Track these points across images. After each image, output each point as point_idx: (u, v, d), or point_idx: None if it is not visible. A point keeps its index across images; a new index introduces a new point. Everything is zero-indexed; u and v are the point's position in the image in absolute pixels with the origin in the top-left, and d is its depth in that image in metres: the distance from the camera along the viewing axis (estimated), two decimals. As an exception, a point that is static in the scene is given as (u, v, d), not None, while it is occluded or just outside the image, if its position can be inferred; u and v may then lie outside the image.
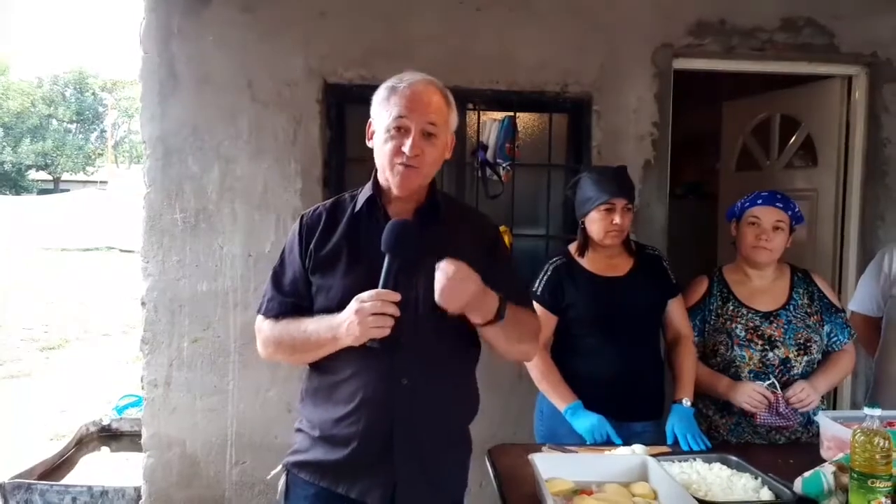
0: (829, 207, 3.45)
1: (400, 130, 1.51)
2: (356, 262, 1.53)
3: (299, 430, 1.66)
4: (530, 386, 2.26)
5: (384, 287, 1.43)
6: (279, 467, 1.68)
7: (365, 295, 1.42)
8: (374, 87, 3.01)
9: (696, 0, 3.17)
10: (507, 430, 2.33)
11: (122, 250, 16.80)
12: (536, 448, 1.94)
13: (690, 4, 3.17)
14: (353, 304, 1.43)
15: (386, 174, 1.54)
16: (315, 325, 1.51)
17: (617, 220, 2.15)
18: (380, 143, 1.54)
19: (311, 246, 1.57)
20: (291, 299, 1.60)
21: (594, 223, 2.19)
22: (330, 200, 1.66)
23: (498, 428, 2.60)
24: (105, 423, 4.13)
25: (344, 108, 3.22)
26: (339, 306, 1.47)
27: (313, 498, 1.57)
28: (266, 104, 3.03)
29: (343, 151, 3.22)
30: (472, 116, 3.25)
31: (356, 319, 1.41)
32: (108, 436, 4.08)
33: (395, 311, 1.41)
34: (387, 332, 1.41)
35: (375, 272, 1.45)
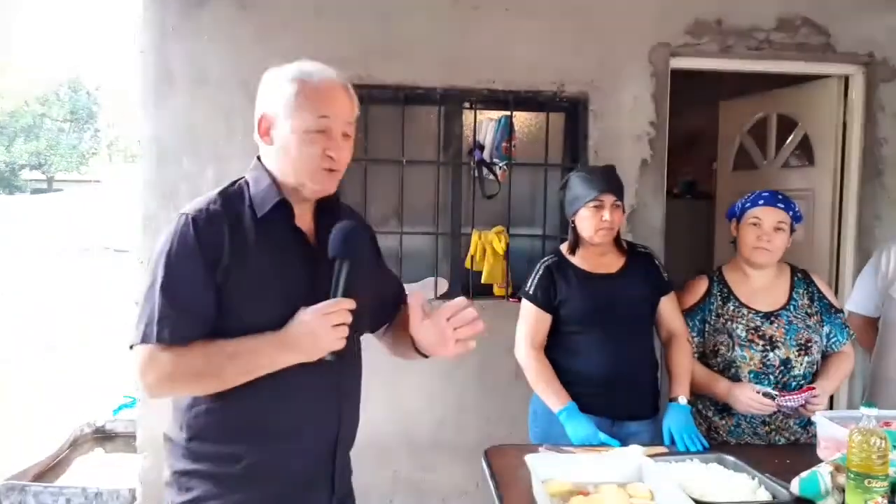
0: (826, 207, 3.45)
1: (322, 133, 1.36)
2: (283, 275, 1.36)
3: (188, 472, 1.36)
4: (526, 387, 2.25)
5: (337, 294, 1.31)
6: None
7: (321, 306, 1.29)
8: (370, 88, 3.06)
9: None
10: (503, 431, 2.32)
11: (116, 250, 16.75)
12: (533, 449, 1.93)
13: (687, 4, 3.17)
14: (309, 317, 1.29)
15: (302, 177, 1.37)
16: (245, 347, 1.29)
17: (606, 216, 2.16)
18: (295, 144, 1.35)
19: (223, 257, 1.31)
20: (197, 318, 1.31)
21: (584, 220, 2.20)
22: (212, 201, 1.38)
23: (494, 429, 2.59)
24: (99, 424, 4.12)
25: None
26: (258, 327, 1.30)
27: None
28: (261, 103, 3.02)
29: (339, 151, 3.20)
30: (468, 116, 3.24)
31: (320, 332, 1.28)
32: (103, 437, 4.07)
33: (349, 319, 1.31)
34: (344, 342, 1.31)
35: (304, 285, 1.35)
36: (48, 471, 3.58)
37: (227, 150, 3.02)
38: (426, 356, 1.48)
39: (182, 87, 3.00)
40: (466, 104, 3.24)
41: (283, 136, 1.37)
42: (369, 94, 3.12)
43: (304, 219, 1.44)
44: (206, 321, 1.31)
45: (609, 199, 2.17)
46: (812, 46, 3.24)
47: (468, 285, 3.18)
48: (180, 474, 1.37)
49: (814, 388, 2.08)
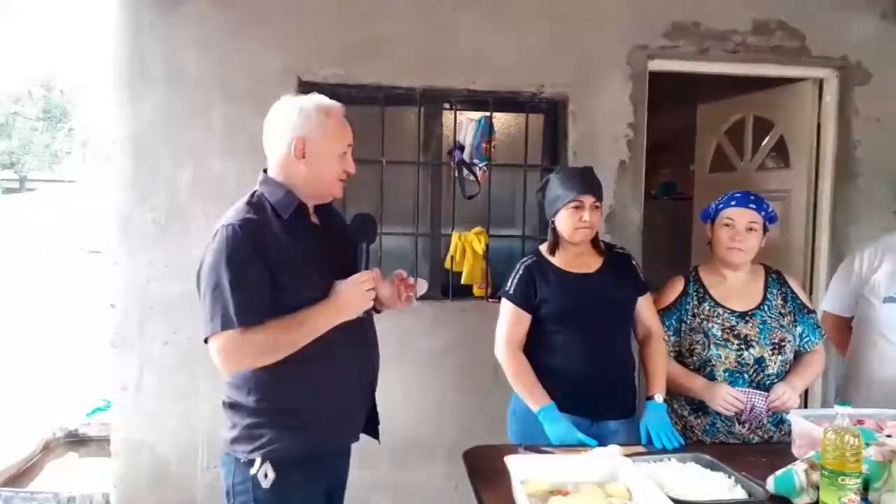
0: (801, 208, 3.50)
1: (345, 154, 1.78)
2: (313, 258, 1.74)
3: (258, 425, 1.71)
4: (506, 387, 2.25)
5: (363, 268, 1.75)
6: (258, 461, 1.69)
7: (355, 277, 1.71)
8: (350, 87, 3.04)
9: (671, 2, 3.20)
10: (483, 432, 2.32)
11: (90, 251, 16.51)
12: (512, 449, 1.93)
13: (665, 7, 3.20)
14: (347, 286, 1.70)
15: (327, 188, 1.78)
16: (307, 316, 1.67)
17: (586, 217, 2.17)
18: (328, 163, 1.75)
19: (269, 251, 1.66)
20: (263, 301, 1.64)
21: (563, 221, 2.21)
22: (245, 211, 1.72)
23: (474, 429, 2.59)
24: (72, 427, 4.05)
25: (319, 107, 3.18)
26: (310, 301, 1.68)
27: (309, 469, 1.73)
28: (239, 101, 2.99)
29: (317, 151, 3.18)
30: (448, 116, 3.24)
31: (357, 296, 1.70)
32: (76, 441, 4.00)
33: (373, 284, 1.74)
34: (373, 302, 1.76)
35: (326, 263, 1.74)
36: (20, 475, 3.51)
37: (204, 150, 2.99)
38: (378, 311, 1.92)
39: (158, 86, 2.96)
40: (446, 105, 3.24)
41: (319, 156, 1.73)
42: (348, 94, 3.10)
43: (312, 217, 1.82)
44: (268, 303, 1.64)
45: (588, 199, 2.18)
46: (787, 50, 3.28)
47: (448, 286, 3.17)
48: (251, 427, 1.70)
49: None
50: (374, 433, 1.96)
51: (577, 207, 2.18)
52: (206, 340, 1.67)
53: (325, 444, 1.77)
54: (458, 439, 2.10)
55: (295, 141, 1.72)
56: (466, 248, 3.15)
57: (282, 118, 1.75)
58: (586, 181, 2.21)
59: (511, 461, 1.69)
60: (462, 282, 3.14)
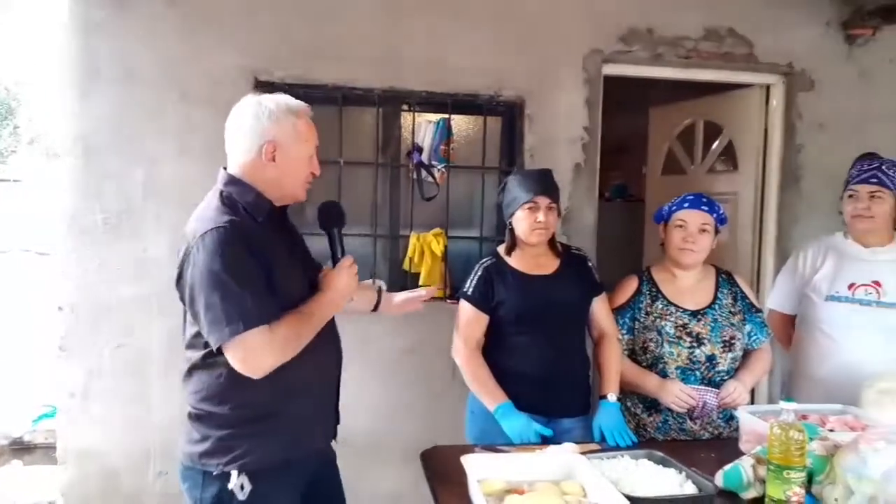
0: (749, 210, 3.60)
1: (312, 157, 1.78)
2: (290, 256, 1.76)
3: (230, 436, 1.66)
4: (464, 387, 2.27)
5: (342, 254, 1.81)
6: (234, 473, 1.65)
7: (341, 264, 1.78)
8: (307, 87, 3.02)
9: (626, 8, 3.26)
10: (441, 432, 2.32)
11: (38, 252, 15.97)
12: (469, 449, 1.94)
13: (620, 12, 3.26)
14: (338, 274, 1.76)
15: (295, 190, 1.77)
16: (313, 308, 1.71)
17: (541, 217, 2.20)
18: (299, 163, 1.74)
19: (257, 251, 1.62)
20: (272, 298, 1.62)
21: (520, 222, 2.23)
22: (225, 213, 1.65)
23: (431, 429, 2.59)
24: (17, 435, 3.92)
25: (275, 107, 3.15)
26: (301, 298, 1.70)
27: (284, 474, 1.72)
28: (194, 102, 2.94)
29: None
30: (407, 118, 3.25)
31: (346, 283, 1.76)
32: (21, 448, 3.87)
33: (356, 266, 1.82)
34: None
35: (299, 259, 1.80)
36: (-39, 486, 3.39)
37: (157, 150, 2.94)
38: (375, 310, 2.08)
39: (109, 85, 2.89)
40: (405, 106, 3.24)
41: (289, 160, 1.71)
42: (306, 94, 3.06)
43: (277, 214, 1.81)
44: (275, 300, 1.62)
45: (543, 200, 2.21)
46: (736, 56, 3.38)
47: (406, 287, 3.16)
48: (225, 438, 1.66)
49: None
50: (333, 432, 1.95)
51: (532, 209, 2.21)
52: (217, 349, 1.60)
53: (300, 447, 1.75)
54: (416, 440, 2.11)
55: (266, 145, 1.68)
56: (425, 250, 3.16)
57: (249, 120, 1.70)
58: (541, 183, 2.24)
59: (467, 461, 1.70)
60: (420, 283, 3.14)
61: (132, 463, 2.94)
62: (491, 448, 2.01)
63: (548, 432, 2.04)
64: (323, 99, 3.09)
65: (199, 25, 2.94)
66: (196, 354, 1.68)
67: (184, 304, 1.68)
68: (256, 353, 1.59)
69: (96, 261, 2.90)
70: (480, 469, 1.69)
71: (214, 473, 1.65)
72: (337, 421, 1.92)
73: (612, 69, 3.32)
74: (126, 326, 2.92)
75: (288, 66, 3.02)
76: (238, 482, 1.64)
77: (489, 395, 2.16)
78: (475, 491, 1.58)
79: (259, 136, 1.68)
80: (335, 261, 1.81)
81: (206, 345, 1.62)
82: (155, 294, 2.93)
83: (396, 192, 3.26)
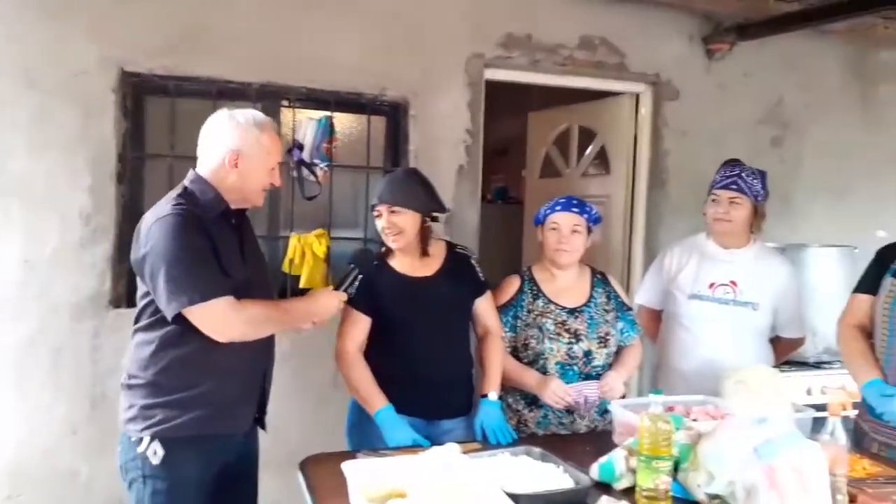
0: (620, 212, 3.80)
1: (274, 168, 1.93)
2: (243, 254, 1.92)
3: (152, 406, 1.79)
4: (345, 393, 2.23)
5: (344, 290, 2.04)
6: (146, 439, 1.77)
7: (338, 293, 2.00)
8: (179, 80, 2.86)
9: (506, 14, 3.33)
10: (321, 440, 2.26)
11: None
12: (351, 456, 1.90)
13: (501, 18, 3.33)
14: (329, 297, 1.98)
15: (253, 196, 1.93)
16: (290, 306, 2.01)
17: (382, 223, 2.19)
18: (259, 176, 1.89)
19: (209, 239, 1.78)
20: (225, 278, 1.77)
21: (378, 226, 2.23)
22: (179, 203, 1.80)
23: (311, 438, 2.52)
24: None
25: (143, 99, 2.96)
26: (242, 292, 1.80)
27: (198, 449, 1.82)
28: (50, 92, 2.71)
29: (142, 146, 2.96)
30: (287, 114, 3.15)
31: (334, 308, 2.00)
32: None
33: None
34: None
35: (241, 257, 1.90)
36: None
37: (7, 144, 2.68)
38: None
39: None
40: (285, 102, 3.14)
41: (250, 169, 1.87)
42: (178, 87, 2.93)
43: (237, 216, 1.97)
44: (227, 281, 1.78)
45: (383, 207, 2.19)
46: (609, 65, 3.54)
47: (286, 290, 3.07)
48: (145, 407, 1.79)
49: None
50: (261, 423, 2.06)
51: (378, 216, 2.21)
52: (175, 317, 1.73)
53: (213, 427, 1.84)
54: (294, 449, 2.04)
55: (230, 153, 1.84)
56: (306, 251, 3.08)
57: (219, 129, 1.87)
58: (385, 188, 2.21)
59: (348, 467, 1.66)
60: (301, 285, 3.06)
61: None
62: (373, 452, 1.98)
63: (425, 443, 2.03)
64: (196, 93, 2.94)
65: (56, 11, 2.71)
66: (140, 325, 1.84)
67: (143, 280, 1.81)
68: (224, 320, 1.76)
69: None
70: (362, 475, 1.65)
71: (133, 439, 1.80)
72: (264, 408, 2.04)
73: (493, 74, 3.39)
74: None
75: (159, 57, 2.85)
76: (151, 448, 1.78)
77: (370, 399, 2.12)
78: (357, 497, 1.55)
79: (225, 144, 1.85)
80: (336, 288, 2.03)
81: (150, 316, 1.80)
82: (5, 299, 2.70)
83: (275, 191, 3.14)
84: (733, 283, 2.50)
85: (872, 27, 3.76)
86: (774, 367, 2.44)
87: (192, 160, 1.92)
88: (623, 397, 2.30)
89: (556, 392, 2.22)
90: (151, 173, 2.98)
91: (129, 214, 2.91)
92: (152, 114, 2.98)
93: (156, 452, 1.78)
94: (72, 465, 2.81)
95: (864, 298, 2.25)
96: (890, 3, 3.10)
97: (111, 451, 2.77)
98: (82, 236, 2.81)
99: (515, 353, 2.39)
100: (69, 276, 2.79)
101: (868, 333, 2.23)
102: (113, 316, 2.85)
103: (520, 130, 4.71)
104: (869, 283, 2.25)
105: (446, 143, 3.27)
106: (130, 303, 2.86)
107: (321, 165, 3.14)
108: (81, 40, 2.75)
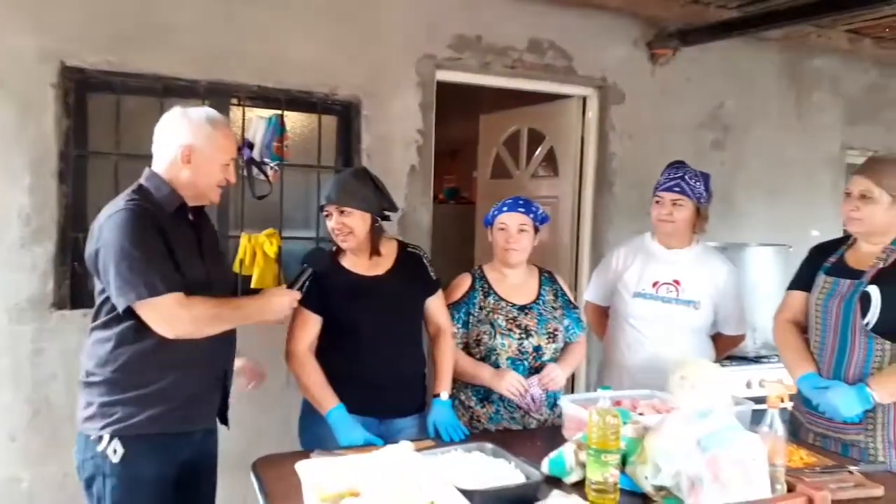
0: (568, 212, 3.87)
1: (229, 165, 1.94)
2: (200, 250, 1.92)
3: (111, 403, 1.79)
4: (297, 393, 2.22)
5: (299, 289, 2.01)
6: (106, 437, 1.77)
7: (291, 292, 1.98)
8: (124, 76, 2.79)
9: (457, 16, 3.36)
10: (274, 441, 2.25)
11: None
12: (304, 456, 1.90)
13: (451, 20, 3.35)
14: (282, 296, 1.96)
15: (208, 192, 1.93)
16: (242, 304, 1.98)
17: (331, 223, 2.20)
18: (212, 171, 1.90)
19: (163, 235, 1.79)
20: (176, 276, 1.77)
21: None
22: (133, 199, 1.81)
23: (263, 439, 2.51)
24: None
25: (86, 95, 2.88)
26: (198, 286, 1.82)
27: (158, 446, 1.82)
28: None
29: (85, 143, 2.88)
30: (236, 112, 3.11)
31: (287, 307, 1.97)
32: None
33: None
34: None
35: (199, 255, 1.90)
36: None
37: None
38: None
39: None
40: (234, 100, 3.10)
41: (203, 164, 1.88)
42: (123, 83, 2.86)
43: (189, 215, 1.95)
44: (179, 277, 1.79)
45: (332, 207, 2.19)
46: (557, 68, 3.61)
47: (237, 291, 3.03)
48: (104, 405, 1.79)
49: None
50: (224, 420, 2.08)
51: (327, 215, 2.21)
52: (128, 312, 1.74)
53: (172, 424, 1.85)
54: (245, 451, 2.02)
55: (183, 148, 1.86)
56: (257, 251, 3.04)
57: (172, 125, 1.88)
58: (334, 188, 2.20)
59: (301, 467, 1.66)
60: (252, 286, 3.02)
61: None
62: (327, 453, 1.97)
63: (379, 442, 2.05)
64: (142, 89, 2.88)
65: (-9, -1, 2.62)
66: (97, 323, 1.83)
67: (97, 276, 1.80)
68: (172, 316, 1.76)
69: None
70: (315, 475, 1.65)
71: (92, 437, 1.80)
72: (226, 404, 2.05)
73: (444, 75, 3.41)
74: None
75: (103, 52, 2.78)
76: (111, 446, 1.78)
77: (322, 399, 2.12)
78: (311, 498, 1.55)
79: (177, 140, 1.86)
80: (289, 287, 2.01)
81: (107, 313, 1.79)
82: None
83: (225, 190, 3.10)
84: (676, 282, 2.58)
85: (807, 35, 3.94)
86: (716, 361, 2.54)
87: (138, 158, 1.90)
88: (572, 391, 2.36)
89: (513, 383, 2.27)
90: (96, 172, 2.90)
91: (73, 214, 2.83)
92: (96, 111, 2.91)
93: (115, 451, 1.78)
94: (13, 473, 2.72)
95: (799, 295, 2.35)
96: (822, 13, 3.25)
97: (55, 457, 2.72)
98: (22, 237, 2.71)
99: (467, 349, 2.42)
100: (9, 277, 2.70)
101: (803, 328, 2.34)
102: (56, 318, 2.77)
103: (471, 132, 4.76)
104: (803, 280, 2.35)
105: (398, 143, 3.28)
106: (75, 304, 2.80)
107: (271, 164, 3.11)
108: (17, 32, 2.66)
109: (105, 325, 1.82)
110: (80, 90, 2.85)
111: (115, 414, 1.79)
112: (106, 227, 1.77)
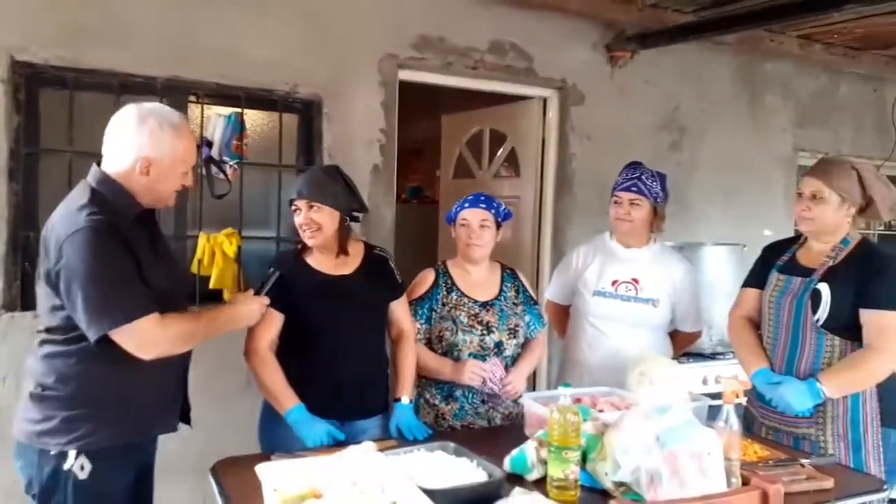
0: (529, 212, 3.91)
1: (187, 173, 1.88)
2: (159, 254, 1.89)
3: (72, 418, 1.72)
4: (258, 394, 2.19)
5: (263, 293, 2.04)
6: (72, 453, 1.71)
7: (260, 298, 2.02)
8: (78, 72, 2.72)
9: (419, 15, 3.36)
10: (234, 443, 2.21)
11: None
12: (264, 458, 1.88)
13: (413, 19, 3.35)
14: (252, 302, 1.99)
15: (165, 199, 1.88)
16: (215, 315, 1.93)
17: (300, 219, 2.18)
18: (171, 180, 1.84)
19: (129, 250, 1.72)
20: (148, 292, 1.73)
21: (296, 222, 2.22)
22: (93, 212, 1.70)
23: (222, 441, 2.46)
24: None
25: (38, 91, 2.80)
26: (169, 293, 1.82)
27: (122, 456, 1.80)
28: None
29: (36, 140, 2.80)
30: (195, 110, 3.06)
31: (257, 313, 2.01)
32: None
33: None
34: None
35: (158, 260, 1.86)
36: None
37: None
38: None
39: None
40: (193, 97, 3.05)
41: (163, 176, 1.81)
42: (76, 80, 2.79)
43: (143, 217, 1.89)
44: (150, 292, 1.74)
45: (301, 202, 2.17)
46: (518, 70, 3.64)
47: (195, 292, 2.98)
48: (68, 420, 1.72)
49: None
50: (187, 420, 2.06)
51: (296, 210, 2.19)
52: (100, 339, 1.67)
53: (142, 431, 1.86)
54: (204, 453, 1.99)
55: (142, 160, 1.77)
56: (216, 251, 2.99)
57: (128, 130, 1.77)
58: (305, 183, 2.19)
59: (262, 469, 1.64)
60: (211, 286, 2.97)
61: None
62: (288, 454, 1.96)
63: (340, 436, 2.04)
64: (96, 86, 2.81)
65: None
66: (55, 338, 1.75)
67: (56, 294, 1.70)
68: (149, 340, 1.72)
69: None
70: (276, 476, 1.64)
71: (52, 453, 1.72)
72: (186, 408, 2.04)
73: (406, 75, 3.41)
74: None
75: (54, 47, 2.70)
76: (78, 462, 1.72)
77: (282, 399, 2.10)
78: (272, 500, 1.54)
79: (137, 150, 1.77)
80: (257, 293, 2.03)
81: (68, 331, 1.71)
82: None
83: (183, 189, 3.05)
84: (635, 280, 2.63)
85: (760, 40, 4.04)
86: (673, 358, 2.59)
87: (92, 156, 1.84)
88: (534, 389, 2.38)
89: (473, 370, 2.29)
90: (48, 170, 2.82)
91: (24, 213, 2.74)
92: (49, 107, 2.82)
93: (83, 467, 1.73)
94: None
95: (752, 292, 2.42)
96: (775, 19, 3.35)
97: (2, 462, 2.62)
98: (-30, 236, 2.63)
99: (430, 344, 2.43)
100: (-46, 278, 2.61)
101: (756, 325, 2.40)
102: (6, 320, 2.68)
103: (435, 132, 4.77)
104: (756, 278, 2.42)
105: (360, 143, 3.26)
106: (26, 306, 2.71)
107: (231, 163, 3.06)
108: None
109: (65, 342, 1.74)
110: (30, 85, 2.76)
111: (80, 429, 1.73)
112: (68, 247, 1.66)
